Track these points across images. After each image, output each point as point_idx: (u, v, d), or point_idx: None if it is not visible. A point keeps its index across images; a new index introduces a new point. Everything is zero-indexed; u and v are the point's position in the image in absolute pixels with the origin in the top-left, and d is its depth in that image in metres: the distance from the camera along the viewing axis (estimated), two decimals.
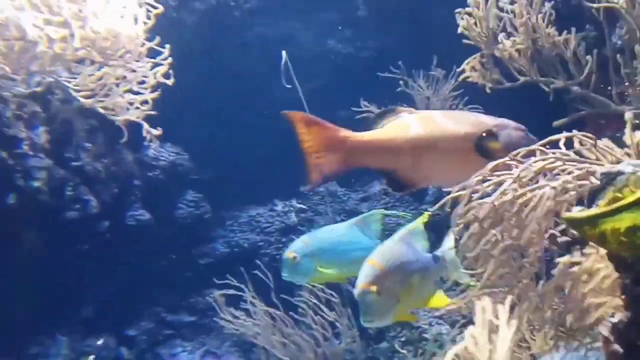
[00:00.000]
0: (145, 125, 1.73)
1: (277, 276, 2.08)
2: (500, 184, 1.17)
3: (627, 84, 1.96)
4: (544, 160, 1.15)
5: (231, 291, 2.25)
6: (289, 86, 2.58)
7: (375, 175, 3.08)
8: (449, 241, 1.48)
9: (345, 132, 1.35)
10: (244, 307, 2.22)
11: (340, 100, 3.04)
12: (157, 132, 1.68)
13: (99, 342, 2.48)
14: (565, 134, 1.14)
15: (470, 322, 1.62)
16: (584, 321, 1.19)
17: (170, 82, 1.68)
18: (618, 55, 1.91)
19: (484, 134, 1.37)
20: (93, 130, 2.36)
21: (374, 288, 1.32)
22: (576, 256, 1.17)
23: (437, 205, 1.26)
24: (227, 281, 2.26)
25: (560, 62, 2.01)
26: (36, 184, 2.07)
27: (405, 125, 1.35)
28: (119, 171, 2.55)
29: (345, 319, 2.23)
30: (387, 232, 1.65)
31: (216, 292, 2.25)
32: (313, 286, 2.17)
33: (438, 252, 1.49)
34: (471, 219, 1.16)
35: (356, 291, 1.35)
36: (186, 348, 2.68)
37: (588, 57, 1.93)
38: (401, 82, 2.66)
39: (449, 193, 3.10)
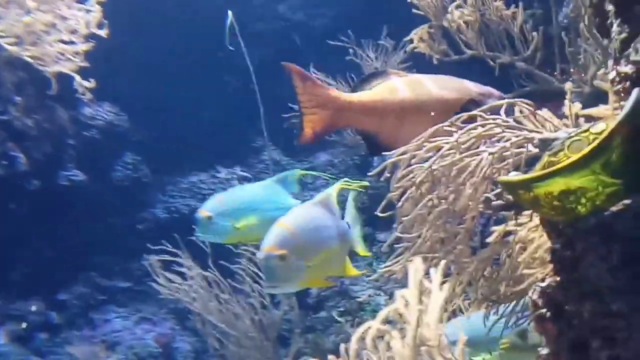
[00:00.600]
0: (77, 78, 1.64)
1: (215, 243, 2.04)
2: (439, 148, 1.16)
3: (570, 63, 1.98)
4: (483, 126, 1.13)
5: (167, 257, 2.19)
6: (232, 49, 2.51)
7: (321, 146, 3.08)
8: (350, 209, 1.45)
9: (335, 92, 1.36)
10: (180, 273, 2.16)
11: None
12: (89, 84, 1.59)
13: (33, 308, 2.38)
14: (507, 100, 1.13)
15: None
16: (516, 289, 1.20)
17: (104, 33, 1.59)
18: (563, 34, 1.93)
19: (468, 102, 1.36)
20: (23, 83, 2.23)
21: (279, 252, 1.25)
22: (511, 225, 1.17)
23: (376, 170, 1.24)
24: (163, 247, 2.19)
25: (507, 38, 2.02)
26: None
27: (393, 88, 1.35)
28: (52, 128, 2.44)
29: None
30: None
31: (152, 257, 2.18)
32: (253, 253, 2.13)
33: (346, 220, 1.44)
34: (408, 184, 1.14)
35: (260, 254, 1.28)
36: (121, 314, 2.61)
37: (534, 34, 1.95)
38: (351, 51, 2.63)
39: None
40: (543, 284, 0.87)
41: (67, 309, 2.54)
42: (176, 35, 2.88)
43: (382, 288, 2.57)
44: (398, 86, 1.36)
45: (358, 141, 2.81)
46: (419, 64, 2.55)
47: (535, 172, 0.82)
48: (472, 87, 1.42)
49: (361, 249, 1.47)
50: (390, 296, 2.54)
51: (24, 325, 2.31)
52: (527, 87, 2.18)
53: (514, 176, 0.87)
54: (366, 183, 1.58)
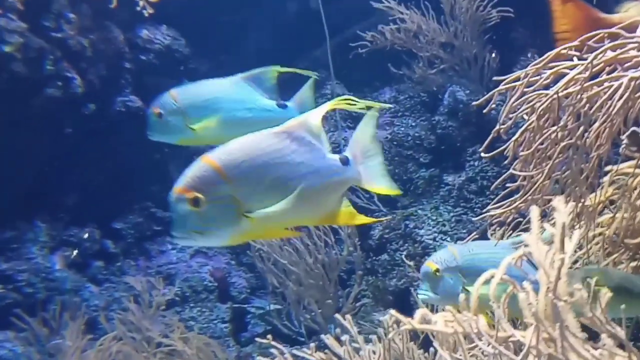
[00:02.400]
0: None
1: None
2: (561, 74, 0.99)
3: None
4: (621, 47, 0.96)
5: None
6: None
7: (386, 81, 2.89)
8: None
9: (599, 13, 1.14)
10: None
11: None
12: None
13: (85, 236, 2.34)
14: None
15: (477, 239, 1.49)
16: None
17: None
18: None
19: None
20: (77, 0, 2.10)
21: (192, 195, 0.94)
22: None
23: (482, 99, 1.08)
24: None
25: None
26: (7, 48, 1.82)
27: None
28: (108, 50, 2.32)
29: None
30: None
31: None
32: None
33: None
34: (527, 111, 0.98)
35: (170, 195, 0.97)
36: (176, 246, 2.56)
37: None
38: None
39: (465, 103, 2.84)
40: None
41: (122, 238, 2.50)
42: None
43: (448, 233, 2.44)
44: None
45: (427, 76, 2.63)
46: None
47: None
48: None
49: (384, 187, 1.07)
50: (457, 241, 2.41)
51: (75, 252, 2.27)
52: None
53: None
54: (383, 105, 1.21)
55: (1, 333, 1.95)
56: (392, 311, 0.77)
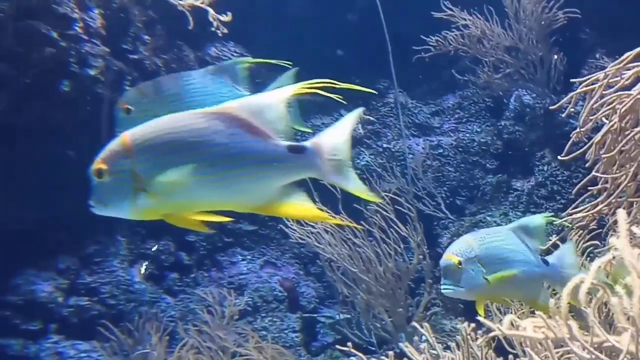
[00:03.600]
0: (211, 12, 1.56)
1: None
2: None
3: None
4: None
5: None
6: None
7: (450, 88, 2.88)
8: None
9: None
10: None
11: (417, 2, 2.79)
12: (227, 17, 1.51)
13: (153, 248, 2.42)
14: None
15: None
16: None
17: None
18: None
19: None
20: (152, 22, 2.20)
21: (98, 167, 0.93)
22: None
23: (560, 103, 1.07)
24: None
25: None
26: (92, 72, 1.92)
27: None
28: (180, 69, 2.41)
29: (418, 235, 2.09)
30: None
31: None
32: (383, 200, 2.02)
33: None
34: (607, 114, 0.96)
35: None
36: (246, 257, 2.61)
37: None
38: None
39: (529, 106, 2.78)
40: None
41: (195, 250, 2.57)
42: None
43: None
44: None
45: (492, 81, 2.60)
46: None
47: None
48: None
49: (355, 188, 0.95)
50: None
51: (144, 265, 2.34)
52: None
53: None
54: (367, 90, 1.04)
55: (88, 343, 2.04)
56: (480, 318, 0.77)
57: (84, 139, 1.97)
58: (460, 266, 1.23)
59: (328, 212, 1.17)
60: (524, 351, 1.25)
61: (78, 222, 2.12)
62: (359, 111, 1.00)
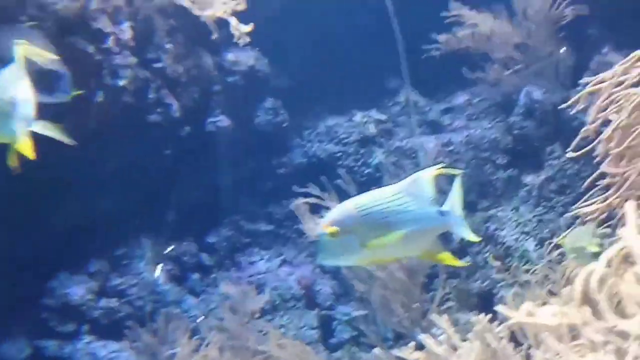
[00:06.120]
0: (234, 21, 1.62)
1: (359, 187, 2.00)
2: None
3: None
4: None
5: (312, 200, 2.17)
6: None
7: (460, 85, 2.92)
8: None
9: None
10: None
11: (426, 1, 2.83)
12: (247, 28, 1.57)
13: (169, 249, 2.48)
14: None
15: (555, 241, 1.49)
16: None
17: None
18: None
19: None
20: (173, 30, 2.26)
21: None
22: None
23: (571, 101, 1.12)
24: (307, 189, 2.18)
25: None
26: (122, 82, 1.99)
27: None
28: (199, 75, 2.47)
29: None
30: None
31: (298, 200, 2.18)
32: None
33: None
34: (615, 111, 1.02)
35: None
36: (264, 256, 2.67)
37: None
38: None
39: (539, 102, 2.81)
40: None
41: (216, 252, 2.63)
42: None
43: (530, 233, 2.43)
44: None
45: (502, 78, 2.64)
46: None
47: None
48: None
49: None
50: (540, 242, 2.41)
51: (159, 267, 2.40)
52: None
53: None
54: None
55: (117, 343, 2.11)
56: (499, 307, 0.82)
57: (115, 145, 2.03)
58: (336, 235, 1.23)
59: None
60: (537, 343, 1.30)
61: (106, 225, 2.20)
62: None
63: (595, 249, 1.25)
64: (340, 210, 1.27)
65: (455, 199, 1.30)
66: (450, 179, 1.39)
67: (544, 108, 2.60)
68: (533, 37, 2.51)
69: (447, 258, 1.33)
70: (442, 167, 1.32)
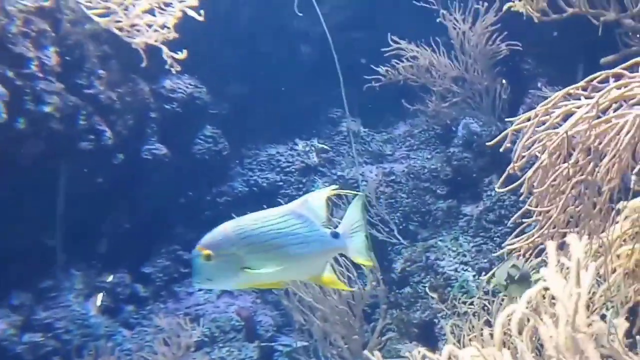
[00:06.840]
0: (165, 50, 1.60)
1: None
2: (570, 113, 1.04)
3: None
4: (625, 86, 1.01)
5: None
6: (300, 14, 2.42)
7: (401, 116, 2.96)
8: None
9: None
10: None
11: (366, 35, 2.88)
12: (181, 55, 1.54)
13: (109, 279, 2.40)
14: None
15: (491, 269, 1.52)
16: None
17: (200, 17, 1.53)
18: None
19: None
20: (106, 57, 2.21)
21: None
22: None
23: (496, 140, 1.13)
24: None
25: None
26: (47, 109, 1.92)
27: None
28: (135, 102, 2.42)
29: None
30: None
31: None
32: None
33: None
34: (539, 150, 1.03)
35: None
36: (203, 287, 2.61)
37: None
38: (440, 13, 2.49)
39: (479, 134, 2.89)
40: None
41: (152, 282, 2.56)
42: (249, 4, 2.82)
43: (469, 263, 2.46)
44: None
45: (440, 110, 2.69)
46: (510, 26, 2.40)
47: None
48: None
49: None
50: (478, 272, 2.44)
51: (100, 296, 2.32)
52: (633, 47, 2.01)
53: None
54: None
55: None
56: (423, 350, 0.81)
57: (39, 173, 1.96)
58: (211, 259, 1.16)
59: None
60: None
61: (30, 257, 2.10)
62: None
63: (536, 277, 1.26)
64: (216, 232, 1.19)
65: (350, 221, 1.24)
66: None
67: (481, 140, 2.66)
68: (470, 71, 2.58)
69: (333, 282, 1.28)
70: (336, 189, 1.29)
